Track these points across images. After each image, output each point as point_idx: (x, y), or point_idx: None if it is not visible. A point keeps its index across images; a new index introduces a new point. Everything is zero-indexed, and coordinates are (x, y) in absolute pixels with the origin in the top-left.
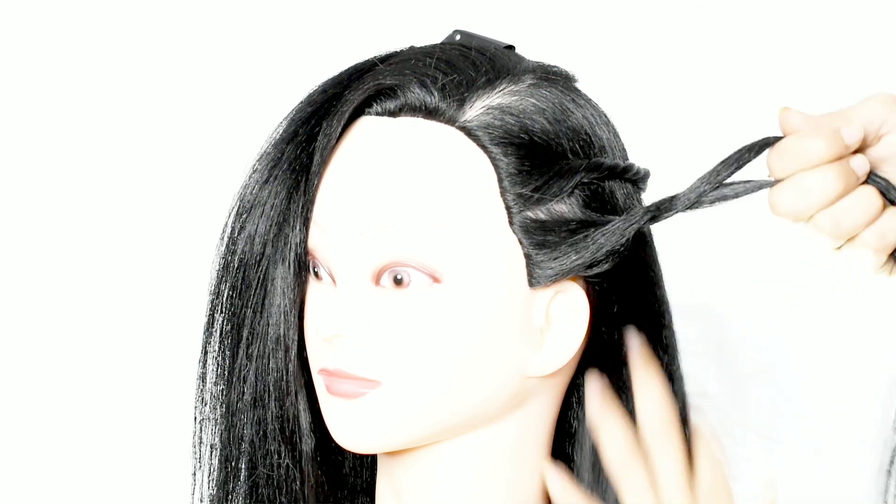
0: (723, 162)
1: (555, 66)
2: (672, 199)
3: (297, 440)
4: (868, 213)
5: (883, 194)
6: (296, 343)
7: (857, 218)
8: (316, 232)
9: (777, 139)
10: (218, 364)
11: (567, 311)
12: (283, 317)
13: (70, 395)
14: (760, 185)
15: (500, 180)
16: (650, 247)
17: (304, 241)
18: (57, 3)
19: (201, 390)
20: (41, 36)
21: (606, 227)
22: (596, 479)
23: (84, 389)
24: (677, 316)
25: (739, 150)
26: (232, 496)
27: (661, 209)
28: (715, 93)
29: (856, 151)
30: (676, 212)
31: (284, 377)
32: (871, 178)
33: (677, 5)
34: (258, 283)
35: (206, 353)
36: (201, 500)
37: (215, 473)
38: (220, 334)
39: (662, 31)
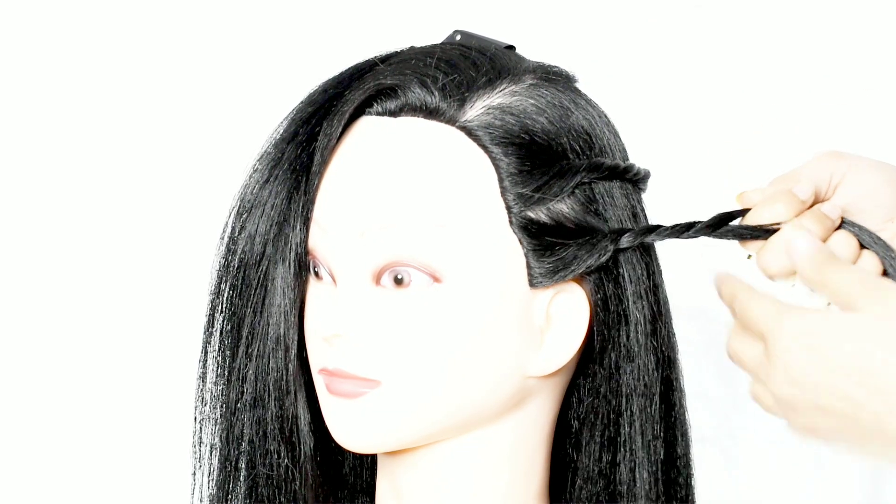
0: (698, 228)
1: (555, 67)
2: (660, 229)
3: (297, 440)
4: (849, 256)
5: (857, 238)
6: (296, 343)
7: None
8: (316, 232)
9: (739, 213)
10: (218, 364)
11: (567, 311)
12: (283, 316)
13: (70, 395)
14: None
15: (501, 180)
16: (651, 248)
17: (305, 240)
18: (57, 3)
19: (201, 390)
20: (41, 36)
21: (601, 236)
22: (598, 479)
23: (84, 389)
24: (677, 317)
25: (712, 220)
26: (231, 496)
27: (648, 234)
28: (715, 93)
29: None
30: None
31: (284, 377)
32: (844, 224)
33: (677, 5)
34: (258, 282)
35: (206, 352)
36: (201, 500)
37: (215, 473)
38: (221, 334)
39: (662, 31)
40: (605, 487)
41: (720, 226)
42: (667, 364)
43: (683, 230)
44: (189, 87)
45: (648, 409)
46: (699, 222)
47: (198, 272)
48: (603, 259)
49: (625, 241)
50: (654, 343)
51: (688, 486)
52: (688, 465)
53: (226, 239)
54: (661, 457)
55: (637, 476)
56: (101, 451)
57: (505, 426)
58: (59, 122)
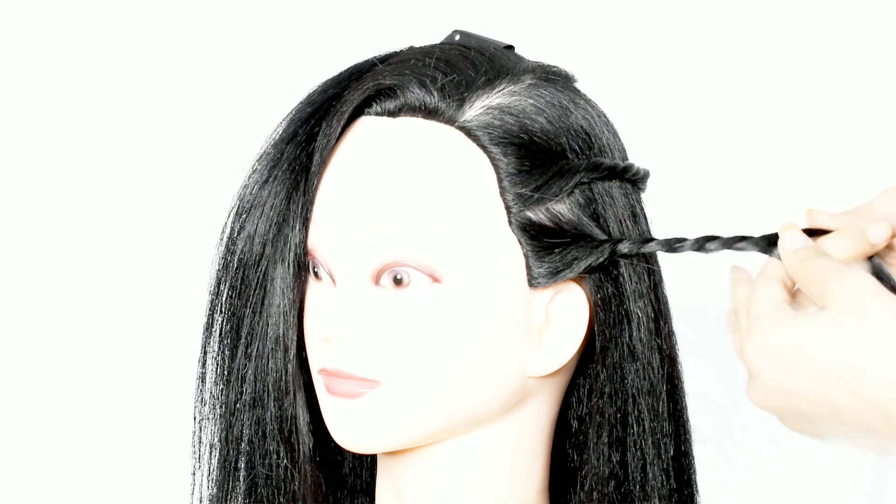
0: (724, 240)
1: (554, 66)
2: (674, 242)
3: (296, 440)
4: None
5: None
6: (295, 343)
7: None
8: (316, 232)
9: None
10: (217, 364)
11: (567, 311)
12: (282, 317)
13: (70, 396)
14: (764, 248)
15: (500, 180)
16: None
17: (304, 241)
18: (57, 3)
19: (201, 390)
20: (41, 36)
21: (601, 240)
22: (609, 480)
23: (84, 389)
24: (678, 317)
25: (742, 238)
26: (231, 496)
27: (652, 246)
28: (715, 93)
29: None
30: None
31: (283, 377)
32: (873, 260)
33: (677, 5)
34: (257, 283)
35: (205, 353)
36: (201, 500)
37: (214, 473)
38: (220, 334)
39: (662, 31)
40: (616, 488)
41: (706, 242)
42: (670, 362)
43: (700, 244)
44: (189, 87)
45: (656, 408)
46: (687, 240)
47: (197, 272)
48: (601, 260)
49: (624, 248)
50: (658, 342)
51: (692, 483)
52: (692, 462)
53: (225, 239)
54: (672, 454)
55: (650, 474)
56: (101, 451)
57: (505, 426)
58: (59, 122)
